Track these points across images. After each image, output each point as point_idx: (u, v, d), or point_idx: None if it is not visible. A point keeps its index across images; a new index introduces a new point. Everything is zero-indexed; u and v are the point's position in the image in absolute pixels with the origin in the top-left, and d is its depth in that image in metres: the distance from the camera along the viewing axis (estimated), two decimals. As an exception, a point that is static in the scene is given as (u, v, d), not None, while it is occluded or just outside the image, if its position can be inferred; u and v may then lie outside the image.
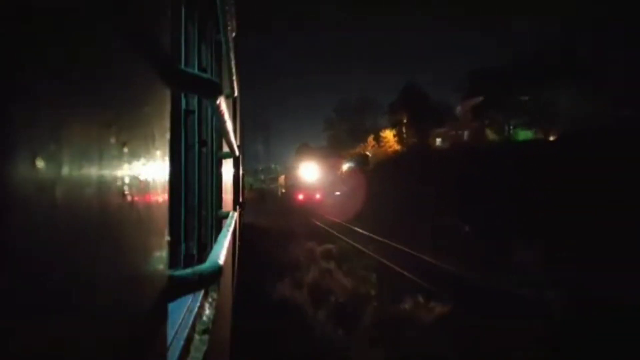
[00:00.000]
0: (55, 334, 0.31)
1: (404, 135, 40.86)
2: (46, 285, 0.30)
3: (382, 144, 42.21)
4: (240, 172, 5.09)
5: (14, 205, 0.26)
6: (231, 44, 2.10)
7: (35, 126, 0.28)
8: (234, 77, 2.61)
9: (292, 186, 32.45)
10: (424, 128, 37.97)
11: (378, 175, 31.50)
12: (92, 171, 0.37)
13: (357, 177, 34.60)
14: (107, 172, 0.40)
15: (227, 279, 2.80)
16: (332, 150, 45.65)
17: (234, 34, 2.40)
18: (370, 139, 44.37)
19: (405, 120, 40.94)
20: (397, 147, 40.29)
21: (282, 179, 40.11)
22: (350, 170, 40.21)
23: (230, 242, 1.72)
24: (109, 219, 0.41)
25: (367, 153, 42.04)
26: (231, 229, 1.90)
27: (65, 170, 0.32)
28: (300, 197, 30.93)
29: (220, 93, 0.92)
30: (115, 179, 0.42)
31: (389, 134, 42.01)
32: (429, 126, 38.14)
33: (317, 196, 30.67)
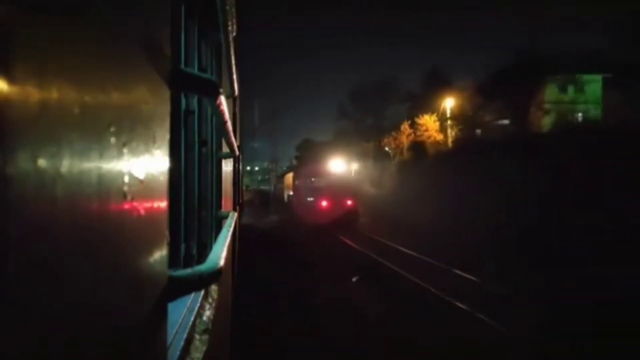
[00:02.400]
0: (56, 333, 0.31)
1: (452, 121, 31.95)
2: (47, 285, 0.30)
3: (419, 132, 34.04)
4: (240, 172, 5.10)
5: (14, 205, 0.26)
6: (231, 44, 2.11)
7: (35, 126, 0.28)
8: (234, 77, 2.61)
9: (304, 189, 23.22)
10: (517, 102, 25.53)
11: (429, 173, 21.72)
12: (93, 171, 0.37)
13: (383, 176, 28.98)
14: (107, 173, 0.40)
15: (226, 279, 2.80)
16: (345, 144, 37.18)
17: (234, 34, 2.40)
18: (405, 125, 36.08)
19: (452, 103, 31.68)
20: (438, 136, 32.90)
21: (288, 178, 32.92)
22: (364, 167, 34.76)
23: (229, 243, 1.72)
24: (109, 219, 0.41)
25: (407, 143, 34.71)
26: (231, 229, 1.90)
27: (66, 170, 0.32)
28: (324, 203, 21.50)
29: (220, 93, 0.92)
30: (116, 179, 0.42)
31: (428, 120, 33.72)
32: (523, 100, 25.20)
33: (349, 202, 21.64)
